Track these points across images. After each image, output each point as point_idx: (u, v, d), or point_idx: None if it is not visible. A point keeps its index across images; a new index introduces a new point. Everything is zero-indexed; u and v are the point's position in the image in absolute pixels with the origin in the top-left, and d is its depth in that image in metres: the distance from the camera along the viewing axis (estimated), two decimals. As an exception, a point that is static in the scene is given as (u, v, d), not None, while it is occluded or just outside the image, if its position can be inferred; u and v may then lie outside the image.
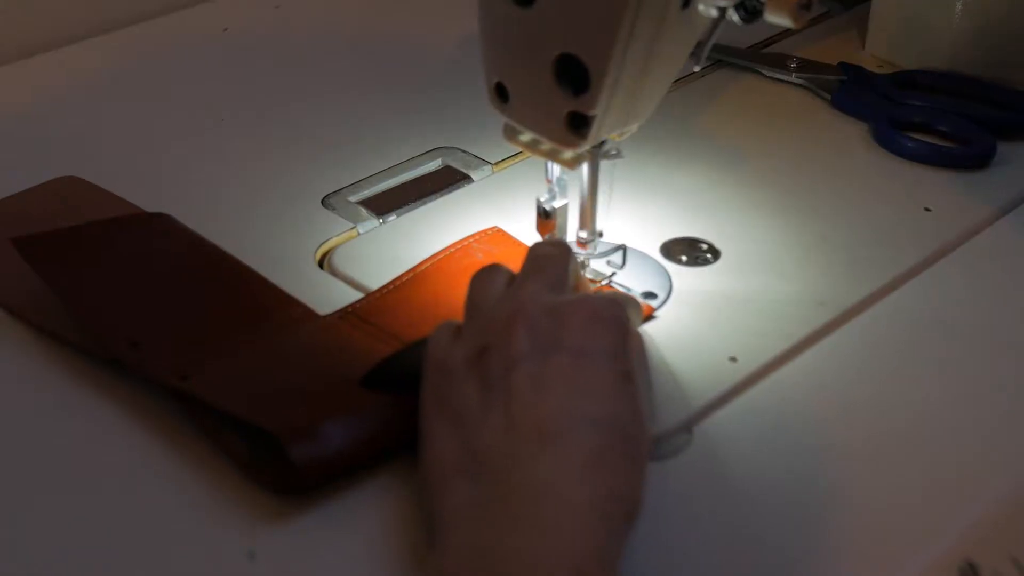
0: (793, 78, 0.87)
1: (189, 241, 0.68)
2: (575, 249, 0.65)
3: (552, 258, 0.59)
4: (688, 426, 0.58)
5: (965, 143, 0.79)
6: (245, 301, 0.63)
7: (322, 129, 0.82)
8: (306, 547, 0.52)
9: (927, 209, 0.73)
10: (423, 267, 0.67)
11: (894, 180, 0.77)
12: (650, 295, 0.66)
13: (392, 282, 0.65)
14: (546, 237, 0.66)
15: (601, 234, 0.65)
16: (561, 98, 0.58)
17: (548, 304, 0.54)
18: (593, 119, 0.59)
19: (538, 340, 0.52)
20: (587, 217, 0.64)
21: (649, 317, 0.64)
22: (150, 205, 0.71)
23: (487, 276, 0.59)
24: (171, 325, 0.61)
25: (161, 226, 0.69)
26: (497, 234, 0.69)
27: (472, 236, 0.69)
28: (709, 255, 0.69)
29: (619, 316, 0.54)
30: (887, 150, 0.79)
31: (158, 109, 0.86)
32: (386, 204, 0.74)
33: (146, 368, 0.58)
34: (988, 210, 0.73)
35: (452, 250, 0.68)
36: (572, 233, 0.66)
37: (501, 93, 0.61)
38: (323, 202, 0.74)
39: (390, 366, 0.57)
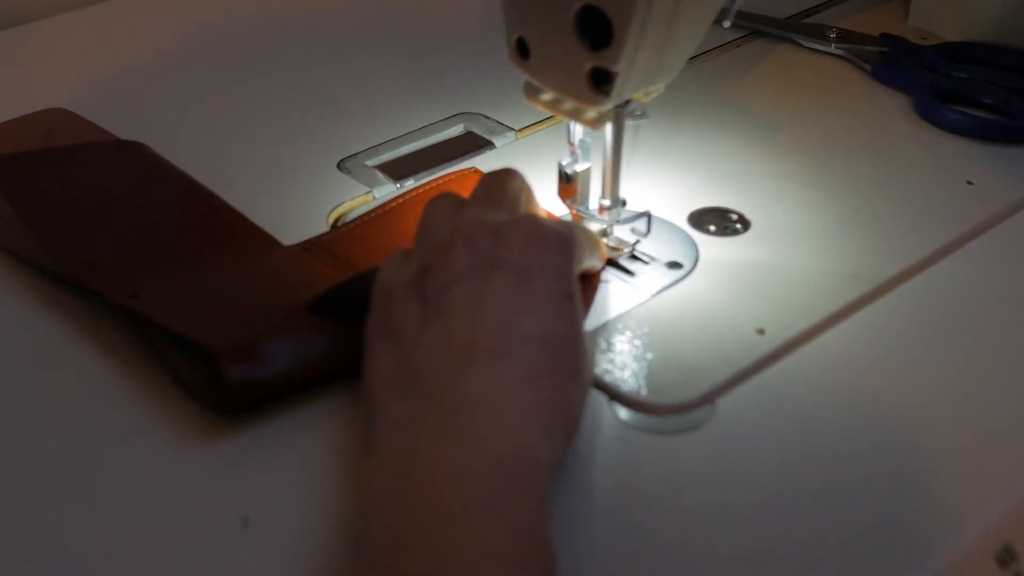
0: (832, 49, 0.84)
1: (161, 170, 0.67)
2: (597, 216, 0.62)
3: (498, 179, 0.59)
4: (711, 398, 0.55)
5: (1010, 116, 0.76)
6: (209, 228, 0.63)
7: (342, 93, 0.79)
8: (243, 467, 0.51)
9: (969, 183, 0.70)
10: (394, 203, 0.65)
11: (935, 153, 0.73)
12: (675, 264, 0.63)
13: (362, 216, 0.65)
14: (567, 202, 0.63)
15: (624, 202, 0.62)
16: (583, 53, 0.56)
17: (490, 223, 0.54)
18: (616, 75, 0.56)
19: (478, 258, 0.52)
20: (609, 181, 0.61)
21: (610, 263, 0.63)
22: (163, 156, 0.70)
23: (438, 202, 0.58)
24: (128, 246, 0.61)
25: (133, 153, 0.68)
26: (475, 174, 0.68)
27: (449, 175, 0.68)
28: (739, 225, 0.66)
29: (563, 236, 0.54)
30: (929, 122, 0.76)
31: (178, 69, 0.84)
32: (404, 169, 0.72)
33: (97, 285, 0.58)
34: (1033, 185, 0.70)
35: (426, 188, 0.67)
36: (595, 198, 0.63)
37: (522, 49, 0.59)
38: (339, 166, 0.71)
39: (339, 293, 0.57)
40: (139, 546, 0.48)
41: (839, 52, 0.84)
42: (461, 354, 0.48)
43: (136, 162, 0.67)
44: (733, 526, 0.49)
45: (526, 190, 0.59)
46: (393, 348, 0.51)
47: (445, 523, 0.43)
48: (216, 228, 0.63)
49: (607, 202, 0.62)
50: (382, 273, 0.55)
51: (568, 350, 0.50)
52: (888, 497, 0.50)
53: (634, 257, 0.63)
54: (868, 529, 0.49)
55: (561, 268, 0.53)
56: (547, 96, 0.60)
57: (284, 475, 0.51)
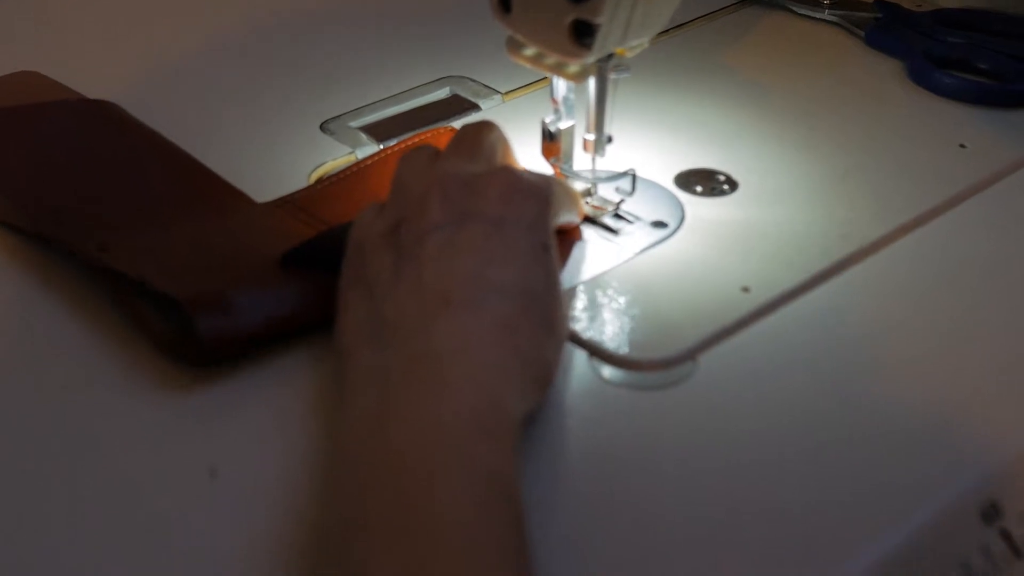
0: (826, 15, 0.83)
1: (134, 129, 0.66)
2: (581, 171, 0.61)
3: (475, 133, 0.58)
4: (693, 355, 0.54)
5: (1004, 80, 0.74)
6: (181, 186, 0.62)
7: (327, 55, 0.78)
8: (213, 420, 0.51)
9: (962, 146, 0.69)
10: (369, 160, 0.65)
11: (928, 116, 0.72)
12: (660, 224, 0.62)
13: (337, 174, 0.64)
14: (551, 160, 0.62)
15: (611, 139, 0.61)
16: (565, 4, 0.55)
17: (466, 175, 0.53)
18: (599, 27, 0.55)
19: (452, 210, 0.51)
20: (593, 129, 0.60)
21: (593, 221, 0.62)
22: (141, 119, 0.68)
23: (413, 155, 0.57)
24: (97, 201, 0.60)
25: (104, 112, 0.67)
26: (451, 132, 0.67)
27: (425, 132, 0.67)
28: (726, 186, 0.65)
29: (540, 187, 0.53)
30: (922, 87, 0.75)
31: (164, 30, 0.82)
32: (388, 130, 0.70)
33: (66, 238, 0.57)
34: (1025, 148, 0.69)
35: (401, 146, 0.66)
36: (578, 157, 0.62)
37: (504, 3, 0.58)
38: (322, 127, 0.70)
39: (311, 246, 0.56)
40: (105, 498, 0.47)
41: (832, 19, 0.83)
42: (433, 303, 0.48)
43: (107, 121, 0.66)
44: (710, 483, 0.48)
45: (502, 142, 0.58)
46: (365, 299, 0.50)
47: (414, 473, 0.42)
48: (188, 185, 0.62)
49: (591, 136, 0.61)
50: (356, 225, 0.54)
51: (542, 301, 0.50)
52: (872, 454, 0.49)
53: (618, 216, 0.62)
54: (851, 486, 0.48)
55: (537, 219, 0.52)
56: (530, 51, 0.59)
57: (255, 427, 0.51)
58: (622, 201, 0.62)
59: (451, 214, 0.51)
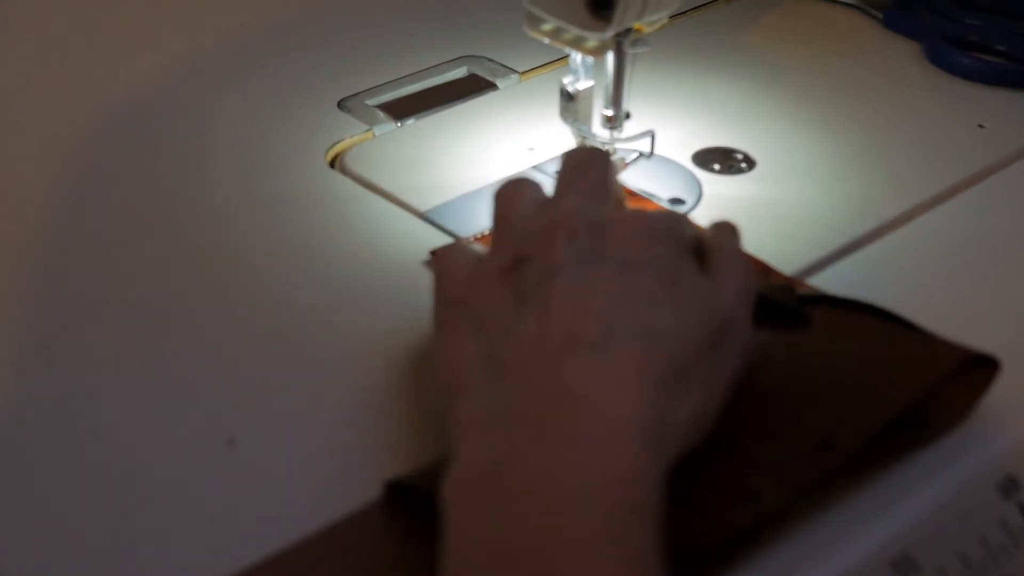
0: (844, -2, 0.83)
1: None
2: (599, 133, 0.61)
3: (592, 164, 0.53)
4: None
5: (1022, 61, 0.74)
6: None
7: (345, 34, 0.78)
8: None
9: (981, 126, 0.69)
10: None
11: (946, 97, 0.72)
12: (677, 200, 0.62)
13: None
14: (569, 121, 0.62)
15: (629, 115, 0.61)
16: (583, -23, 0.55)
17: (593, 214, 0.49)
18: (617, 1, 0.55)
19: (581, 251, 0.47)
20: (612, 99, 0.60)
21: None
22: (159, 98, 0.69)
23: (515, 189, 0.53)
24: None
25: None
26: None
27: None
28: (744, 164, 0.65)
29: (673, 228, 0.49)
30: (941, 68, 0.75)
31: (179, 8, 0.82)
32: (405, 109, 0.70)
33: None
34: (1046, 129, 0.69)
35: None
36: (596, 119, 0.62)
37: (523, -23, 0.58)
38: (339, 105, 0.70)
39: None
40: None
41: (851, 1, 0.82)
42: (560, 344, 0.44)
43: None
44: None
45: (615, 171, 0.54)
46: (476, 335, 0.46)
47: (553, 550, 0.38)
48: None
49: (610, 111, 0.61)
50: (444, 259, 0.51)
51: (678, 348, 0.45)
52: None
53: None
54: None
55: (671, 260, 0.47)
56: (548, 26, 0.59)
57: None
58: (638, 157, 0.62)
59: (580, 255, 0.46)
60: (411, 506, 0.45)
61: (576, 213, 0.48)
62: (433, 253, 0.56)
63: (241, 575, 0.43)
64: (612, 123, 0.61)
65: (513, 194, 0.52)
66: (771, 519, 0.44)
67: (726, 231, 0.52)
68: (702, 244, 0.50)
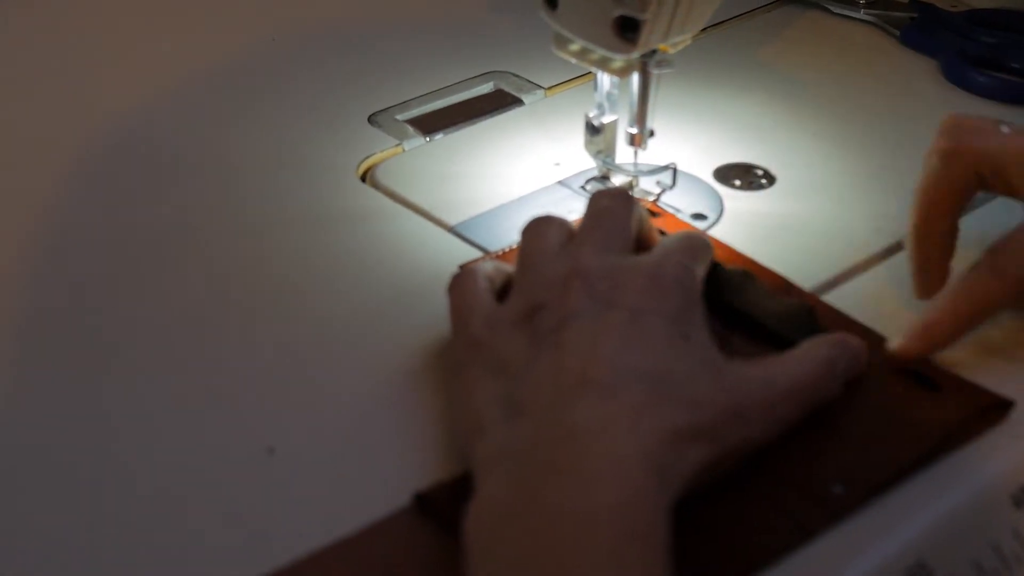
0: (862, 15, 0.84)
1: None
2: (623, 165, 0.63)
3: (613, 212, 0.55)
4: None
5: (1038, 80, 0.76)
6: None
7: (374, 49, 0.80)
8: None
9: (996, 144, 0.70)
10: None
11: (962, 115, 0.73)
12: (700, 216, 0.64)
13: None
14: (594, 154, 0.64)
15: (652, 133, 0.63)
16: (610, 1, 0.56)
17: (608, 264, 0.51)
18: (643, 23, 0.57)
19: (595, 298, 0.49)
20: (637, 118, 0.62)
21: None
22: (192, 113, 0.71)
23: (541, 229, 0.54)
24: None
25: None
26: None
27: None
28: (764, 180, 0.67)
29: (682, 279, 0.51)
30: (957, 86, 0.76)
31: (210, 24, 0.84)
32: (434, 123, 0.72)
33: None
34: (1059, 146, 0.70)
35: None
36: (620, 152, 0.64)
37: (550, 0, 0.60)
38: (370, 119, 0.72)
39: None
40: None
41: (868, 18, 0.84)
42: (571, 385, 0.46)
43: None
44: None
45: (637, 215, 0.56)
46: (495, 378, 0.49)
47: (566, 572, 0.41)
48: None
49: (634, 130, 0.62)
50: (462, 297, 0.53)
51: (684, 390, 0.47)
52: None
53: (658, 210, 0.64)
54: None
55: (681, 311, 0.50)
56: (575, 46, 0.61)
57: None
58: (662, 192, 0.64)
59: (594, 303, 0.49)
60: (437, 520, 0.47)
61: (592, 260, 0.51)
62: (460, 269, 0.58)
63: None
64: (636, 143, 0.62)
65: (537, 235, 0.54)
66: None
67: None
68: None
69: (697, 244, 0.54)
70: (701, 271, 0.53)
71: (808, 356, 0.51)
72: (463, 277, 0.54)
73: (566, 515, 0.42)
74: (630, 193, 0.60)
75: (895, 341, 0.54)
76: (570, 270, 0.51)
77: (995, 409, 0.52)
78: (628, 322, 0.48)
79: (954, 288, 0.55)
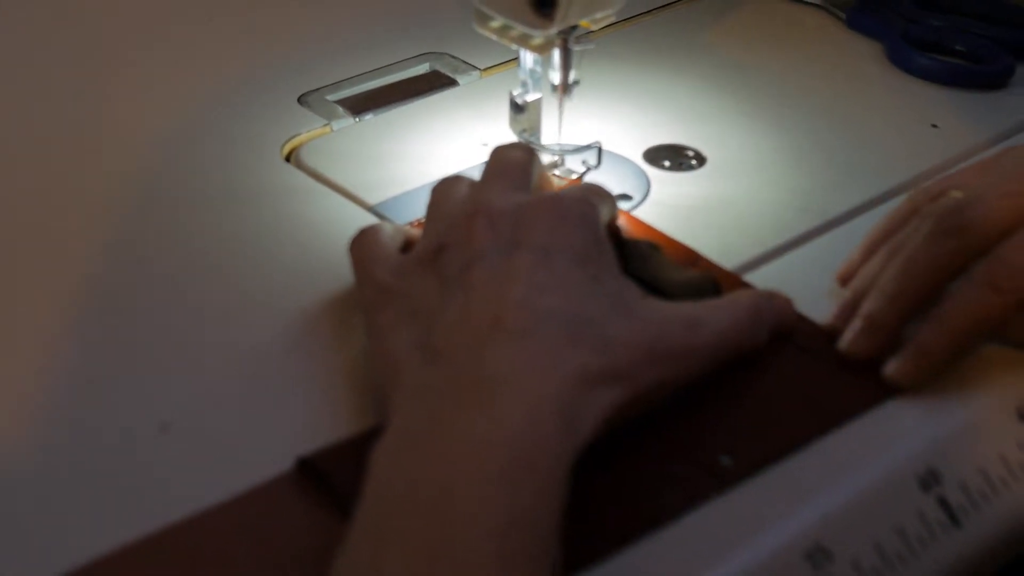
0: (809, -2, 0.84)
1: None
2: (548, 144, 0.62)
3: (514, 160, 0.56)
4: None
5: (982, 63, 0.75)
6: None
7: (308, 29, 0.79)
8: None
9: (934, 126, 0.70)
10: None
11: (903, 97, 0.73)
12: (624, 197, 0.63)
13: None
14: (518, 132, 0.63)
15: (578, 81, 0.61)
16: (525, -25, 0.56)
17: (510, 204, 0.51)
18: (558, -1, 0.56)
19: (499, 238, 0.50)
20: (558, 104, 0.62)
21: None
22: (122, 95, 0.70)
23: (448, 183, 0.56)
24: None
25: None
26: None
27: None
28: (694, 161, 0.66)
29: (587, 214, 0.51)
30: (901, 68, 0.75)
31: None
32: (365, 104, 0.71)
33: None
34: (997, 130, 0.69)
35: None
36: (546, 131, 0.63)
37: (470, -26, 0.59)
38: (299, 100, 0.71)
39: None
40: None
41: (815, 1, 0.83)
42: (483, 330, 0.46)
43: None
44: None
45: (540, 165, 0.57)
46: (407, 323, 0.49)
47: (452, 493, 0.41)
48: None
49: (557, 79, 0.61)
50: (365, 243, 0.54)
51: (596, 331, 0.47)
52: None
53: (583, 188, 0.63)
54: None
55: (587, 248, 0.50)
56: (496, 22, 0.60)
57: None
58: (587, 171, 0.63)
59: (498, 242, 0.49)
60: (318, 485, 0.47)
61: (494, 200, 0.51)
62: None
63: (138, 542, 0.44)
64: (561, 91, 0.61)
65: (444, 187, 0.55)
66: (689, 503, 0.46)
67: None
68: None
69: (599, 190, 0.55)
70: (605, 213, 0.53)
71: (733, 303, 0.52)
72: (364, 232, 0.54)
73: (466, 441, 0.43)
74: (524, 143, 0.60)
75: (888, 365, 0.52)
76: (473, 209, 0.51)
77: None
78: (536, 263, 0.48)
79: (948, 306, 0.51)
